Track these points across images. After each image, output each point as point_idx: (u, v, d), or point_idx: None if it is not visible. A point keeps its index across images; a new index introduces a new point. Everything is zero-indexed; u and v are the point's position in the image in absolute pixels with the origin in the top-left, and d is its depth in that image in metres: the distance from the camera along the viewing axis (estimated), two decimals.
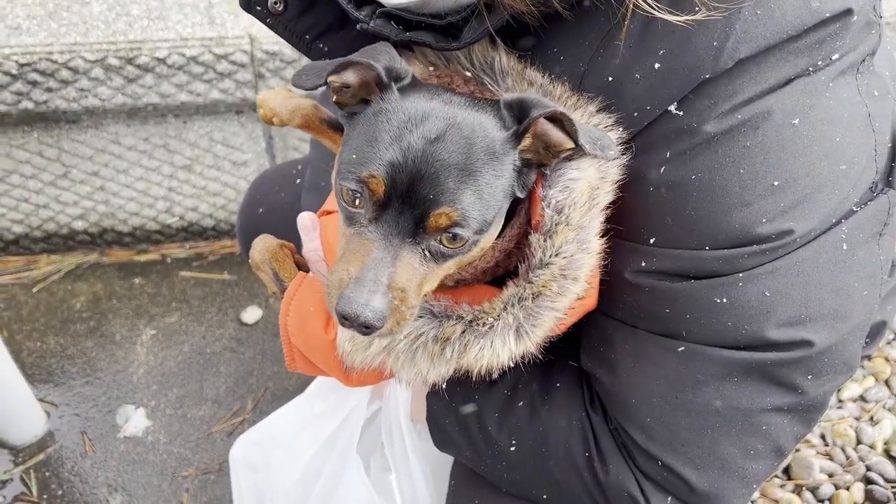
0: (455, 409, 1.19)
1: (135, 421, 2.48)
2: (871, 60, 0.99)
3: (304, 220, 1.27)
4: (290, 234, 1.86)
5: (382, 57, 0.93)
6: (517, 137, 0.90)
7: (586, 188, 0.92)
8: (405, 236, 0.87)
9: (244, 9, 1.15)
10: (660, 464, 1.04)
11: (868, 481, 2.25)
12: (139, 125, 2.72)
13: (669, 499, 1.06)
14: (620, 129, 0.94)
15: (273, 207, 1.94)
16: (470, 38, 0.97)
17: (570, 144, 0.89)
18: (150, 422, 2.49)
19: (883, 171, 1.00)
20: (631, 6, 0.88)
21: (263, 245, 1.26)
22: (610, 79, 0.94)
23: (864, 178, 0.97)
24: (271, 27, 1.17)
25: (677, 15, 0.87)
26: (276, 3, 1.13)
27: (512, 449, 1.14)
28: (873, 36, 0.96)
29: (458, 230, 0.86)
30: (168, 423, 2.48)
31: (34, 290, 2.87)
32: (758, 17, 0.87)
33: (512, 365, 0.97)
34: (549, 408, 1.12)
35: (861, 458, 2.31)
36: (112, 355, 2.67)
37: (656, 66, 0.90)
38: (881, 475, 2.25)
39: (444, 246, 0.87)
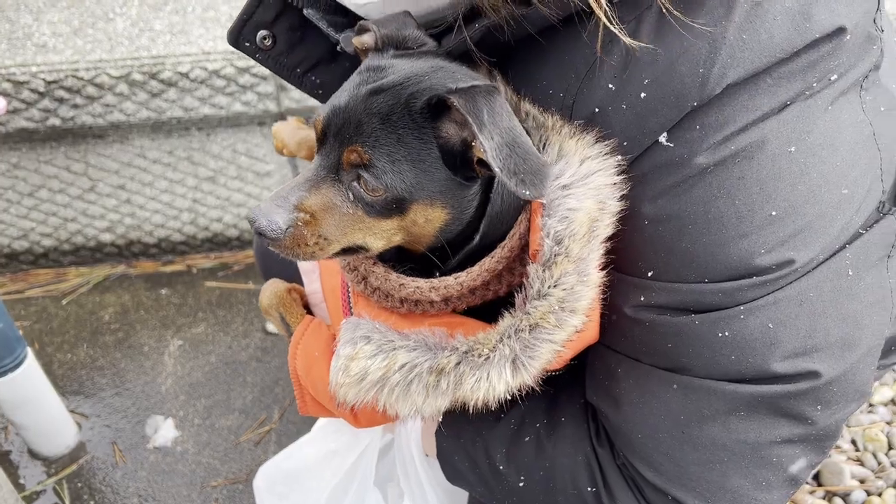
0: (464, 446, 1.18)
1: (164, 431, 2.51)
2: (876, 75, 0.95)
3: (304, 264, 1.28)
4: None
5: (392, 24, 0.99)
6: (430, 110, 0.89)
7: (586, 219, 0.90)
8: (329, 171, 0.92)
9: (232, 45, 1.16)
10: (670, 498, 1.02)
11: None
12: (163, 139, 2.75)
13: None
14: (619, 156, 0.92)
15: None
16: (450, 45, 0.98)
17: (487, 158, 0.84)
18: (178, 432, 2.52)
19: (890, 190, 0.97)
20: (601, 25, 0.87)
21: (272, 290, 1.26)
22: (597, 109, 0.92)
23: (870, 199, 0.94)
24: (261, 62, 1.17)
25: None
26: (264, 38, 1.14)
27: (521, 484, 1.13)
28: (875, 50, 0.93)
29: (365, 173, 0.89)
30: (196, 434, 2.51)
31: (63, 302, 2.92)
32: (743, 41, 0.84)
33: (509, 397, 0.95)
34: (555, 442, 1.10)
35: (893, 464, 2.27)
36: (140, 366, 2.71)
37: (642, 95, 0.88)
38: None
39: (363, 190, 0.90)
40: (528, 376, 0.93)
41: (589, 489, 1.07)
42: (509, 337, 0.92)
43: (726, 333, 0.92)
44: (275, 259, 2.02)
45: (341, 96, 0.93)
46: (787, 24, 0.85)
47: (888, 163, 0.96)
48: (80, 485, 2.37)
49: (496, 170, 0.80)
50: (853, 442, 2.34)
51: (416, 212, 0.93)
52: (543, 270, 0.91)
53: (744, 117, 0.86)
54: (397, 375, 0.95)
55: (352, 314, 1.09)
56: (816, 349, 0.92)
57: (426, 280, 0.99)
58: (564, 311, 0.90)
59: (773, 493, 1.01)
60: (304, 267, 1.27)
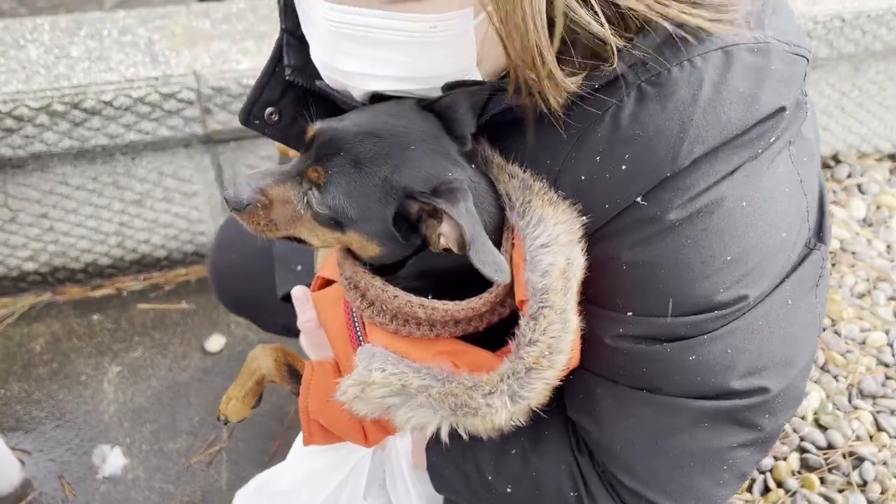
0: (454, 460, 1.31)
1: (112, 460, 2.51)
2: (799, 129, 1.13)
3: (298, 292, 1.39)
4: (263, 280, 1.95)
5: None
6: (410, 198, 1.04)
7: (559, 274, 1.05)
8: (299, 173, 1.09)
9: (243, 124, 1.27)
10: (644, 499, 1.18)
11: (802, 450, 2.48)
12: (87, 165, 2.71)
13: None
14: (584, 218, 1.08)
15: (248, 251, 2.01)
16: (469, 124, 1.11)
17: (455, 248, 1.03)
18: (127, 459, 2.53)
19: (814, 227, 1.16)
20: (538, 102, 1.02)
21: (269, 354, 1.34)
22: (583, 177, 1.07)
23: (801, 237, 1.13)
24: (269, 135, 1.28)
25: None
26: (271, 114, 1.26)
27: (509, 491, 1.27)
28: (803, 113, 1.11)
29: (317, 190, 1.06)
30: (146, 459, 2.53)
31: None
32: (707, 122, 1.00)
33: (513, 425, 1.10)
34: (541, 455, 1.24)
35: (795, 430, 2.54)
36: (79, 396, 2.69)
37: (623, 167, 1.03)
38: (813, 444, 2.47)
39: (314, 199, 1.07)
40: (526, 407, 1.08)
41: (572, 494, 1.22)
42: (508, 377, 1.07)
43: (692, 358, 1.08)
44: (228, 275, 2.08)
45: (342, 119, 1.09)
46: (741, 106, 1.02)
47: (811, 204, 1.15)
48: None
49: (478, 266, 0.98)
50: None
51: (352, 236, 1.10)
52: (532, 321, 1.05)
53: (706, 181, 1.03)
54: (410, 393, 1.09)
55: (359, 340, 1.22)
56: (765, 368, 1.10)
57: (417, 297, 1.12)
58: (553, 353, 1.05)
59: (728, 488, 1.20)
60: (297, 295, 1.40)
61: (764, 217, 1.07)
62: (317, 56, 1.13)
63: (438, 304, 1.11)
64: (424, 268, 1.14)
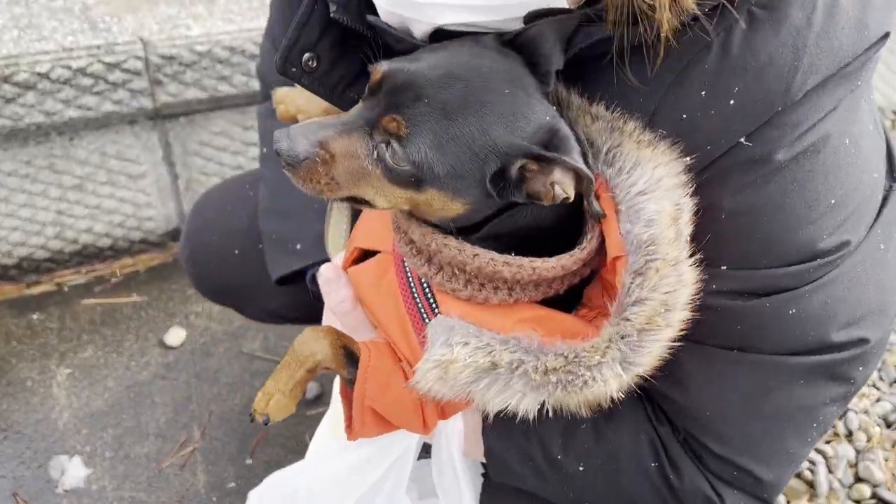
0: (515, 442, 1.20)
1: (72, 471, 2.27)
2: None
3: (327, 272, 1.24)
4: (248, 263, 1.77)
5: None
6: (525, 157, 0.92)
7: (669, 221, 0.95)
8: (366, 123, 0.94)
9: (280, 73, 1.13)
10: (732, 465, 1.11)
11: None
12: (18, 148, 2.44)
13: (737, 492, 1.14)
14: (688, 159, 0.97)
15: (228, 233, 1.82)
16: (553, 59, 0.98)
17: (567, 197, 0.93)
18: (89, 469, 2.29)
19: (887, 167, 1.10)
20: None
21: (323, 337, 1.16)
22: (684, 116, 0.97)
23: (883, 179, 1.07)
24: (306, 85, 1.15)
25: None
26: (309, 59, 1.11)
27: (580, 469, 1.18)
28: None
29: (396, 142, 0.91)
30: (111, 467, 2.31)
31: None
32: (820, 49, 0.92)
33: (622, 396, 1.00)
34: (615, 427, 1.16)
35: None
36: (27, 404, 2.43)
37: (731, 102, 0.94)
38: None
39: (388, 155, 0.92)
40: (636, 375, 0.99)
41: (653, 465, 1.14)
42: (617, 342, 0.96)
43: (793, 312, 1.00)
44: (206, 261, 1.87)
45: (415, 60, 0.93)
46: (852, 32, 0.94)
47: (884, 143, 1.09)
48: None
49: (594, 209, 0.94)
50: None
51: (433, 195, 0.95)
52: (638, 277, 0.94)
53: (814, 116, 0.95)
54: (501, 371, 0.98)
55: (421, 314, 1.08)
56: (863, 318, 1.04)
57: (500, 255, 1.00)
58: (669, 311, 0.95)
59: (811, 446, 1.14)
60: (327, 275, 1.23)
61: (861, 155, 1.00)
62: None
63: (525, 261, 0.99)
64: (501, 229, 1.02)
